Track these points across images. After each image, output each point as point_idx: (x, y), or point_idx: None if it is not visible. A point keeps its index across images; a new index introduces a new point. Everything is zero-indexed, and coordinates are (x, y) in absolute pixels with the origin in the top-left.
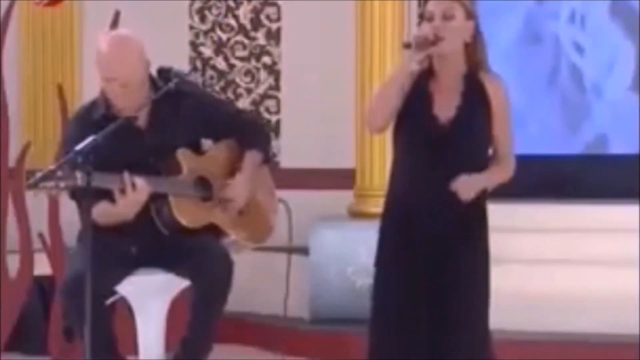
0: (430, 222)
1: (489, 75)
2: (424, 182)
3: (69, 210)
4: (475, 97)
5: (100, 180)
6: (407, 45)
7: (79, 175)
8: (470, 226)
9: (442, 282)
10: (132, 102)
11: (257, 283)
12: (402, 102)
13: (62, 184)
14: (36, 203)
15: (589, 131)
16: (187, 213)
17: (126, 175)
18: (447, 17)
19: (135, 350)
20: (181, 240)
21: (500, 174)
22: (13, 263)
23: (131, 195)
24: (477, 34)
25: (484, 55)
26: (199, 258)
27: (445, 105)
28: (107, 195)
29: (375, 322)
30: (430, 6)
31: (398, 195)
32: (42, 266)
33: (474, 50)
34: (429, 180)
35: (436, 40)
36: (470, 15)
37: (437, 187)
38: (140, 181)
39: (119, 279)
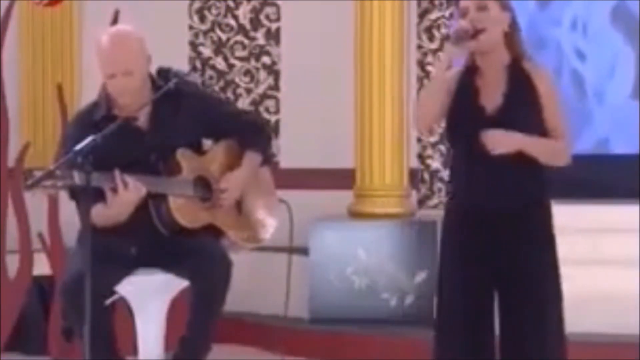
0: (490, 212)
1: (534, 65)
2: (480, 174)
3: (68, 210)
4: (521, 85)
5: (93, 180)
6: (446, 38)
7: (76, 174)
8: (533, 220)
9: (509, 282)
10: (135, 98)
11: (257, 283)
12: (450, 101)
13: (59, 184)
14: (36, 203)
15: (591, 136)
16: (186, 213)
17: (117, 174)
18: (481, 8)
19: (134, 350)
20: (180, 240)
21: (549, 143)
22: (13, 263)
23: (123, 194)
24: (514, 25)
25: (524, 45)
26: (197, 258)
27: (491, 96)
28: (103, 196)
29: (441, 323)
30: (464, 3)
31: (458, 191)
32: (42, 266)
33: (513, 41)
34: (484, 172)
35: (475, 33)
36: (505, 6)
37: (492, 178)
38: (132, 180)
39: (118, 279)
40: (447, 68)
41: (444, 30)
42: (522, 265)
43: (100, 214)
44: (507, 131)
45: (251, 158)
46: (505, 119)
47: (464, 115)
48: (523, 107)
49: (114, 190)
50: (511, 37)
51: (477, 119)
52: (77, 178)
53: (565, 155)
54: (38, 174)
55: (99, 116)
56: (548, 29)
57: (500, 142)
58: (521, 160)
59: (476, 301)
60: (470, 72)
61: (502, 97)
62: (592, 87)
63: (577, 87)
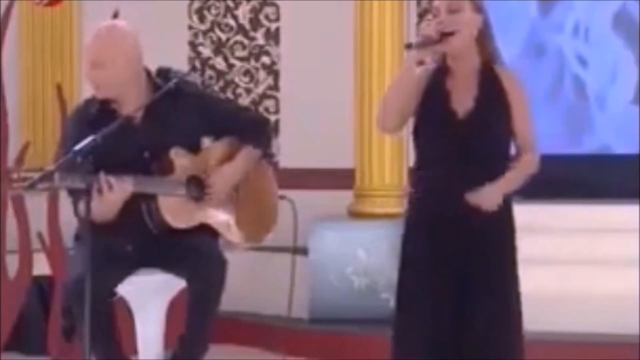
0: (456, 218)
1: (504, 69)
2: (448, 178)
3: (68, 210)
4: (492, 89)
5: (78, 181)
6: (408, 46)
7: (69, 178)
8: (497, 222)
9: (469, 282)
10: (120, 90)
11: (257, 283)
12: (419, 101)
13: (57, 185)
14: (35, 203)
15: (592, 142)
16: (177, 213)
17: (101, 176)
18: (453, 10)
19: (134, 349)
20: (175, 240)
21: (520, 170)
22: (12, 263)
23: (108, 195)
24: (486, 28)
25: (496, 49)
26: (191, 258)
27: (463, 100)
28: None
29: (398, 322)
30: (436, 2)
31: (422, 193)
32: (41, 266)
33: (485, 44)
34: (453, 176)
35: (442, 37)
36: (478, 8)
37: (461, 182)
38: (116, 182)
39: (119, 278)
40: (412, 70)
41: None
42: (483, 265)
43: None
44: (480, 191)
45: (247, 153)
46: (477, 124)
47: (434, 118)
48: (494, 111)
49: (99, 191)
50: (482, 40)
51: (448, 123)
52: (70, 181)
53: (535, 167)
54: (38, 174)
55: (93, 113)
56: (550, 35)
57: (493, 197)
58: (489, 169)
59: (435, 307)
60: (441, 73)
61: (473, 101)
62: (593, 92)
63: (578, 93)
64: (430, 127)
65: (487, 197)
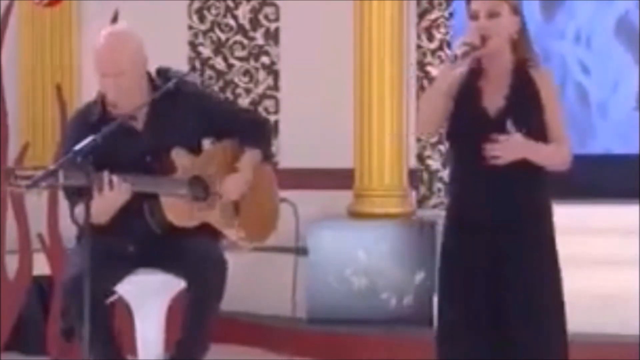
0: (488, 215)
1: (538, 69)
2: (483, 180)
3: (68, 210)
4: (524, 89)
5: (82, 179)
6: (455, 58)
7: (61, 175)
8: (529, 220)
9: (503, 284)
10: (127, 99)
11: (257, 283)
12: (453, 102)
13: (56, 183)
14: (35, 203)
15: (594, 148)
16: (179, 213)
17: (105, 173)
18: (492, 14)
19: (134, 350)
20: (177, 240)
21: (557, 151)
22: (12, 263)
23: (108, 194)
24: (523, 30)
25: (531, 50)
26: (191, 258)
27: (494, 98)
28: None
29: (443, 330)
30: (475, 5)
31: (458, 193)
32: (41, 266)
33: (520, 46)
34: (485, 175)
35: (483, 42)
36: (516, 10)
37: (494, 180)
38: (118, 181)
39: (118, 278)
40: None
41: (442, 32)
42: (523, 276)
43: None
44: (511, 137)
45: (251, 156)
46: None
47: (465, 117)
48: (525, 110)
49: (100, 189)
50: (518, 41)
51: (478, 121)
52: (73, 178)
53: (568, 159)
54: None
55: (95, 118)
56: (552, 42)
57: (505, 149)
58: (523, 166)
59: (476, 310)
60: (474, 73)
61: (504, 99)
62: (595, 99)
63: (581, 100)
64: (462, 126)
65: (510, 145)
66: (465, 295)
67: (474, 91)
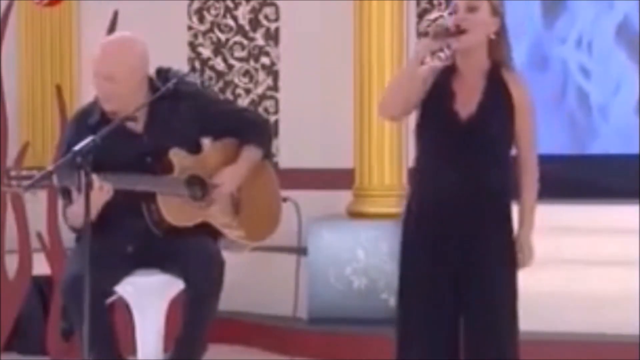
0: (454, 218)
1: (513, 74)
2: (446, 178)
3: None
4: (497, 94)
5: (63, 178)
6: (424, 34)
7: (55, 177)
8: (494, 224)
9: (468, 282)
10: (119, 104)
11: (257, 283)
12: (424, 98)
13: (53, 183)
14: (35, 203)
15: (596, 152)
16: (177, 212)
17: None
18: (471, 9)
19: (134, 350)
20: (175, 239)
21: (533, 202)
22: (12, 263)
23: (90, 194)
24: (502, 32)
25: (508, 54)
26: (189, 258)
27: (467, 102)
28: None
29: (401, 323)
30: (457, 1)
31: (420, 191)
32: (41, 266)
33: (497, 48)
34: (451, 177)
35: (457, 32)
36: (496, 11)
37: (459, 183)
38: (99, 181)
39: (117, 278)
40: (420, 62)
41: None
42: (481, 264)
43: (68, 213)
44: (520, 237)
45: (249, 153)
46: (478, 127)
47: (436, 117)
48: (496, 115)
49: (79, 189)
50: (496, 43)
51: (449, 124)
52: (55, 179)
53: (536, 176)
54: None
55: (94, 121)
56: (554, 47)
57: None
58: (487, 155)
59: (439, 302)
60: (448, 73)
61: (477, 103)
62: (596, 104)
63: (581, 104)
64: (431, 126)
65: (526, 249)
66: (428, 288)
67: (446, 92)
